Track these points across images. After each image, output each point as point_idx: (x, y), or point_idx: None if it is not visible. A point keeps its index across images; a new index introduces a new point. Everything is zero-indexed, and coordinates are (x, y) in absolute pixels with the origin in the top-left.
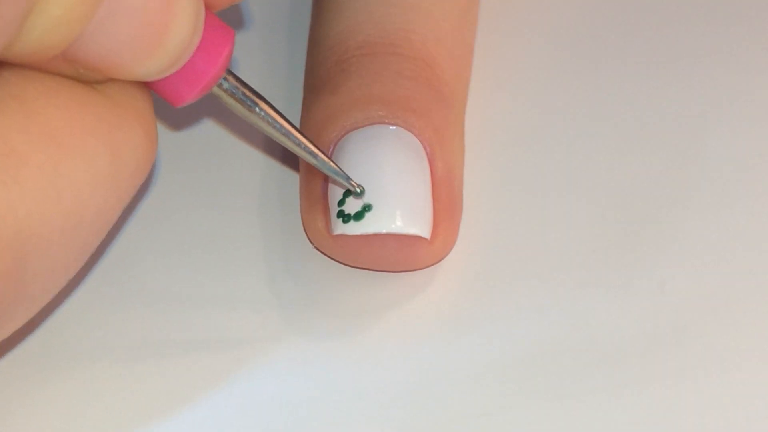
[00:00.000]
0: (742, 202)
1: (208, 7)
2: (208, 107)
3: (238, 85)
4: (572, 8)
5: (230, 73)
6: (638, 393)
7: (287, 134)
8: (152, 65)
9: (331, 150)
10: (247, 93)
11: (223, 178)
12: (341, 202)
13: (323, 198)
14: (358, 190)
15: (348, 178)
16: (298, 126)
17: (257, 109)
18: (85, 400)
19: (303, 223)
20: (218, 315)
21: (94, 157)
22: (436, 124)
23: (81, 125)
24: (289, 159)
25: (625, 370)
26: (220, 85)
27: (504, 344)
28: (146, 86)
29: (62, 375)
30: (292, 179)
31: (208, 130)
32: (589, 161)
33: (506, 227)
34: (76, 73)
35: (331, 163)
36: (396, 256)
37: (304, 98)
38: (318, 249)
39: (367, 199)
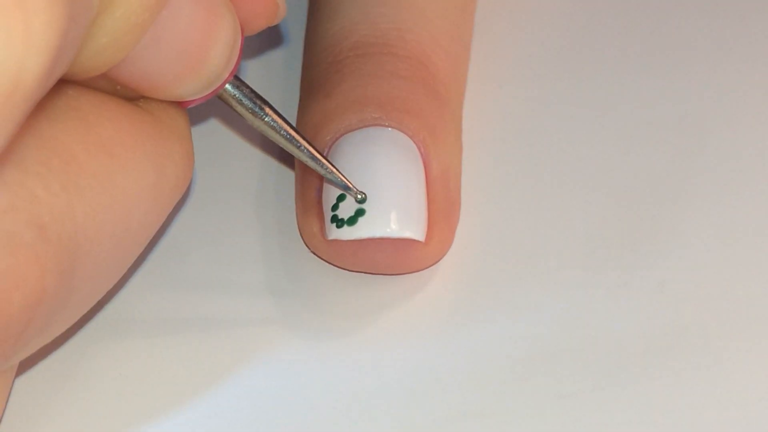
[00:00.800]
0: (742, 201)
1: (242, 30)
2: (211, 109)
3: (245, 90)
4: (571, 5)
5: (237, 78)
6: (638, 393)
7: (291, 140)
8: (189, 88)
9: (326, 153)
10: (253, 98)
11: (220, 179)
12: (335, 207)
13: (318, 203)
14: (359, 197)
15: (350, 185)
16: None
17: (262, 114)
18: (82, 399)
19: (299, 228)
20: (216, 314)
21: (141, 171)
22: (431, 124)
23: (130, 139)
24: (286, 157)
25: (625, 370)
26: (227, 90)
27: (503, 344)
28: (182, 107)
29: (60, 374)
30: (290, 180)
31: (208, 133)
32: (588, 160)
33: (505, 227)
34: (113, 89)
35: (335, 171)
36: (391, 259)
37: (301, 100)
38: (314, 253)
39: (361, 202)
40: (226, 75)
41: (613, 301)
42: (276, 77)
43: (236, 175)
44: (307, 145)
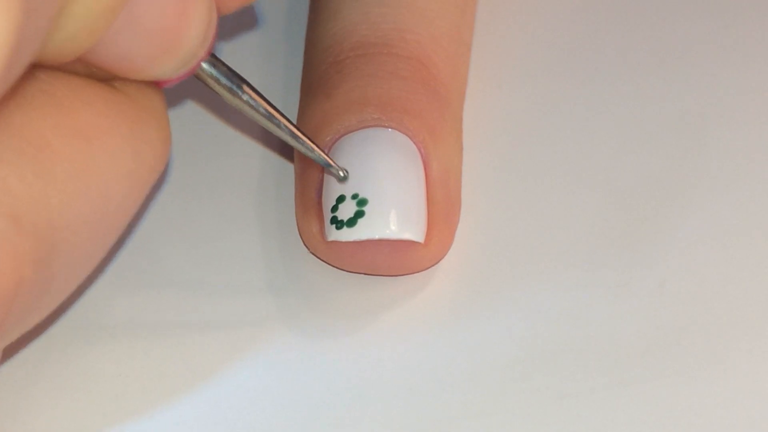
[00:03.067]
0: (742, 201)
1: (217, 10)
2: (207, 104)
3: (221, 68)
4: (572, 6)
5: (214, 56)
6: (638, 393)
7: (270, 117)
8: (165, 68)
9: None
10: (230, 76)
11: (220, 177)
12: (334, 208)
13: (317, 203)
14: (341, 174)
15: (332, 163)
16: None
17: (240, 93)
18: (78, 396)
19: (298, 229)
20: (214, 314)
21: (118, 154)
22: (431, 125)
23: (106, 122)
24: (286, 156)
25: (625, 370)
26: (203, 68)
27: (503, 344)
28: (159, 87)
29: (56, 368)
30: (290, 179)
31: (207, 133)
32: (588, 160)
33: (505, 227)
34: (89, 71)
35: (315, 148)
36: (391, 260)
37: (301, 100)
38: (313, 254)
39: (360, 203)
40: (202, 54)
41: (613, 301)
42: (277, 78)
43: (236, 175)
44: (285, 121)
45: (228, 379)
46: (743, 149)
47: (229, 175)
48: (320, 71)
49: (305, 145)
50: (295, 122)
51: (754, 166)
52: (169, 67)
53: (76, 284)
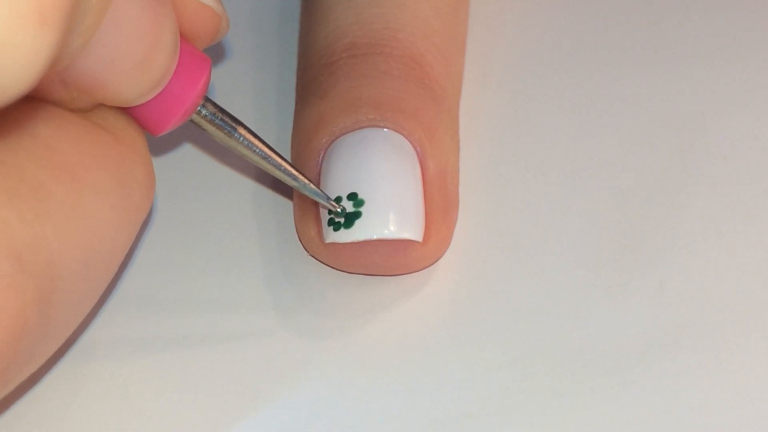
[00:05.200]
0: (743, 201)
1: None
2: (188, 136)
3: (217, 111)
4: (569, 3)
5: (208, 100)
6: (638, 393)
7: (266, 158)
8: (138, 85)
9: (321, 156)
10: (225, 119)
11: (218, 182)
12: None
13: (315, 206)
14: (339, 210)
15: (328, 199)
16: (286, 136)
17: (236, 135)
18: (79, 400)
19: (297, 232)
20: (215, 317)
21: (106, 192)
22: (427, 124)
23: (92, 161)
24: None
25: (625, 370)
26: (198, 112)
27: (503, 344)
28: (139, 126)
29: (59, 373)
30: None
31: (203, 136)
32: (587, 159)
33: (503, 226)
34: (71, 98)
35: (311, 185)
36: (389, 260)
37: (296, 104)
38: (313, 256)
39: (357, 205)
40: (171, 73)
41: (613, 301)
42: (270, 81)
43: (234, 178)
44: (282, 161)
45: (228, 380)
46: (743, 149)
47: (226, 180)
48: (314, 73)
49: (303, 183)
50: (292, 127)
51: (754, 165)
52: (143, 84)
53: (72, 328)
